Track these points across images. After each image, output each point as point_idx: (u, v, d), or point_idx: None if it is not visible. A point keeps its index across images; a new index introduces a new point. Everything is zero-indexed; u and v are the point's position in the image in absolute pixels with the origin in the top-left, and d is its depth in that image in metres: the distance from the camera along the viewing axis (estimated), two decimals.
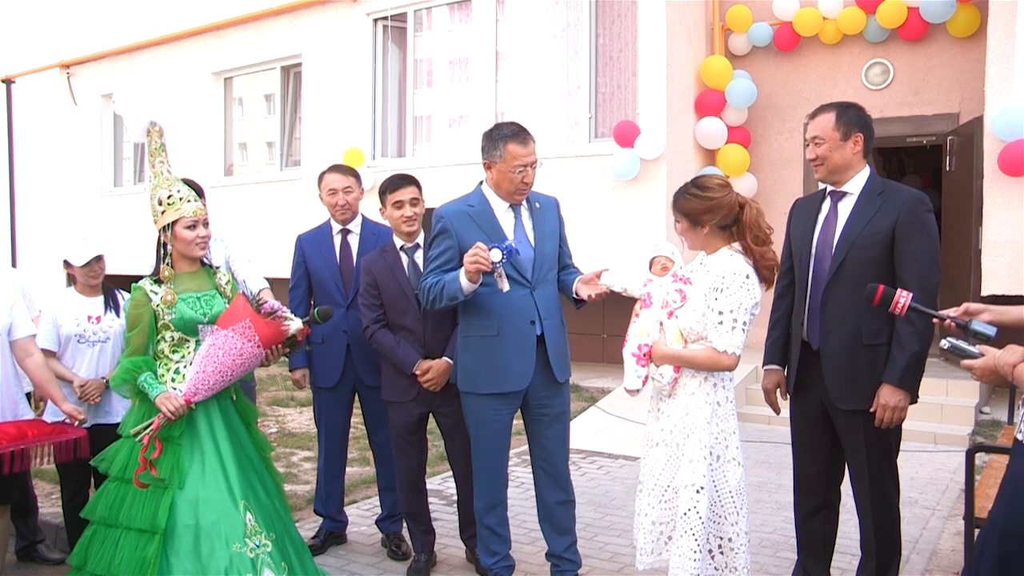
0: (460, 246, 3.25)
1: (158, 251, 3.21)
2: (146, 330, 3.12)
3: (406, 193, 3.67)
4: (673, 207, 2.95)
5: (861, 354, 3.01)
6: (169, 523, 2.94)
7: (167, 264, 3.19)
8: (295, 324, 3.25)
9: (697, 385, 2.86)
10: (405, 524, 3.97)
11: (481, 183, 3.42)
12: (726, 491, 2.84)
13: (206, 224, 3.22)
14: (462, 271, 3.15)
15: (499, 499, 3.47)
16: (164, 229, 3.18)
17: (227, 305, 3.23)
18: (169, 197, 3.17)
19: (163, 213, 3.17)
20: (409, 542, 3.99)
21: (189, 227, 3.16)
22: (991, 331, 2.32)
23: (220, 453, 3.10)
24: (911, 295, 2.51)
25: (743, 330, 2.79)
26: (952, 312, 2.41)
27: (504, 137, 3.26)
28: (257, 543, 3.02)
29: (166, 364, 3.17)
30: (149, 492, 2.98)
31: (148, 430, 3.00)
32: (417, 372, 3.58)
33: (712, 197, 2.83)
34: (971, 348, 2.23)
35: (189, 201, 3.18)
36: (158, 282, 3.18)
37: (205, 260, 3.34)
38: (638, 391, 2.96)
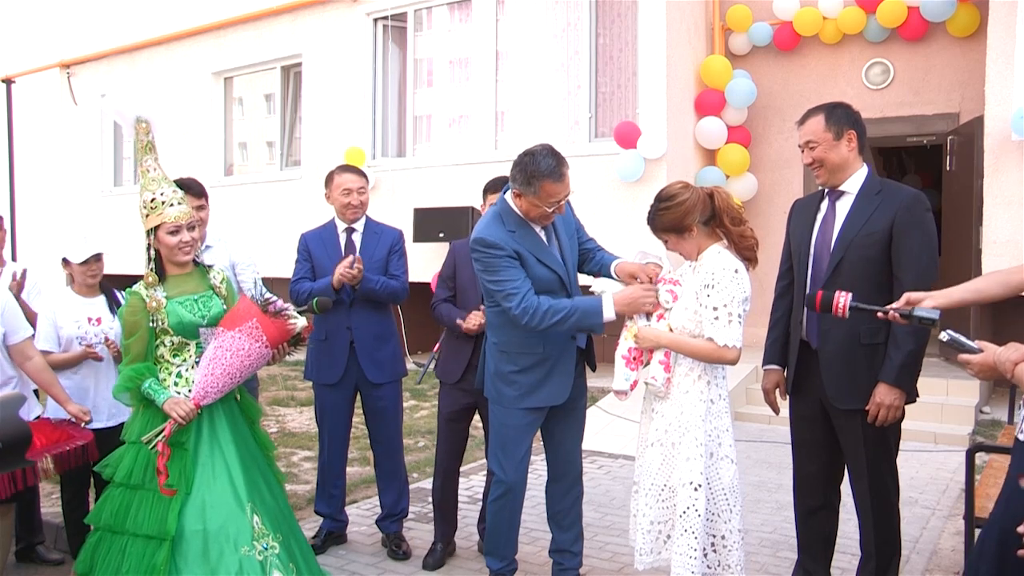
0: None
1: (147, 254, 3.12)
2: (145, 336, 3.04)
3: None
4: (653, 230, 2.94)
5: (859, 353, 3.01)
6: (176, 528, 2.89)
7: (151, 269, 3.09)
8: (300, 322, 3.26)
9: (691, 383, 2.88)
10: (406, 520, 3.98)
11: (505, 197, 3.22)
12: (719, 488, 2.85)
13: (191, 228, 3.11)
14: (606, 302, 3.02)
15: None
16: (149, 233, 3.09)
17: (224, 305, 3.18)
18: (152, 201, 3.07)
19: (147, 217, 3.08)
20: (409, 542, 4.01)
21: (172, 232, 3.06)
22: (935, 315, 2.37)
23: (225, 455, 3.06)
24: (850, 295, 2.51)
25: (739, 323, 2.81)
26: (894, 304, 2.43)
27: (541, 176, 3.01)
28: (265, 545, 2.98)
29: (167, 368, 3.09)
30: (155, 498, 2.93)
31: (161, 436, 2.94)
32: (460, 322, 3.75)
33: (683, 201, 2.85)
34: (970, 343, 2.17)
35: (173, 205, 3.07)
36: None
37: (196, 260, 3.24)
38: (626, 393, 2.98)
